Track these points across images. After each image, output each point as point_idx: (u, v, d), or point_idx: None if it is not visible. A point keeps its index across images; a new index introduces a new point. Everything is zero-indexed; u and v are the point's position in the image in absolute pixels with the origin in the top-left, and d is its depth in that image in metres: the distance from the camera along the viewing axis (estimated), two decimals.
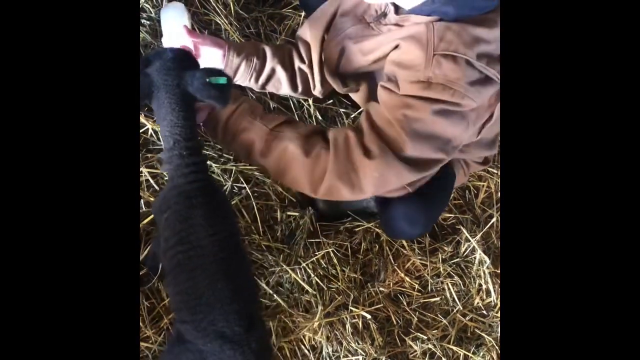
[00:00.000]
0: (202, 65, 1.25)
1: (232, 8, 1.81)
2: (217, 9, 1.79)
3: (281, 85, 1.55)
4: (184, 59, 1.18)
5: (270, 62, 1.47)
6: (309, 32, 1.51)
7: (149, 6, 1.72)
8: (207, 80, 1.12)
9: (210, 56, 1.38)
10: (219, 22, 1.79)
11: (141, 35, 1.69)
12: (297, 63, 1.51)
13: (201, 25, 1.79)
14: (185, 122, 1.15)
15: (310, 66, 1.52)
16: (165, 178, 1.61)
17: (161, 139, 1.18)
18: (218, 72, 1.16)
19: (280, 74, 1.50)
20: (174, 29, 1.36)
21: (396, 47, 1.26)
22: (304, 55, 1.51)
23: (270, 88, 1.56)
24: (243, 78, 1.47)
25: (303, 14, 1.89)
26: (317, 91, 1.58)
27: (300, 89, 1.57)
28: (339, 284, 1.72)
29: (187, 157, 1.15)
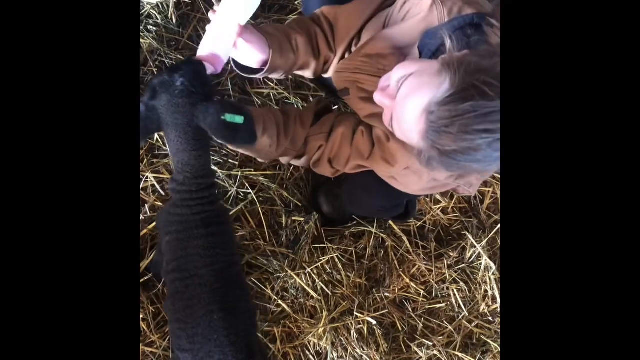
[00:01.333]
0: (237, 54, 1.18)
1: None
2: None
3: (305, 73, 1.51)
4: (195, 88, 1.03)
5: (303, 57, 1.39)
6: (343, 23, 1.41)
7: (155, 12, 1.73)
8: (222, 118, 1.01)
9: (250, 57, 1.25)
10: None
11: (147, 41, 1.70)
12: (324, 52, 1.43)
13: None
14: (197, 160, 1.08)
15: (334, 54, 1.45)
16: None
17: (172, 167, 1.11)
18: (235, 109, 1.03)
19: (311, 65, 1.44)
20: (234, 14, 1.14)
21: (386, 134, 1.29)
22: (330, 40, 1.44)
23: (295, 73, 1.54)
24: (276, 75, 1.39)
25: None
26: (328, 74, 1.53)
27: (320, 73, 1.52)
28: (344, 289, 1.72)
29: (196, 192, 1.11)
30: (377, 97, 1.11)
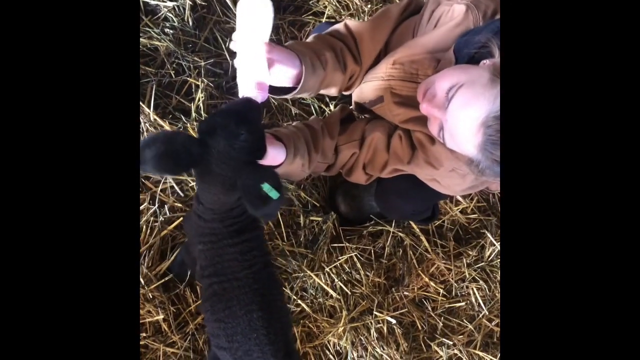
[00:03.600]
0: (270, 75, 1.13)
1: None
2: None
3: (330, 91, 1.44)
4: (254, 150, 1.01)
5: (331, 73, 1.33)
6: (370, 35, 1.37)
7: (171, 15, 1.74)
8: (261, 188, 0.95)
9: (283, 74, 1.19)
10: None
11: (164, 44, 1.71)
12: (351, 66, 1.37)
13: (223, 33, 1.81)
14: (227, 199, 1.08)
15: (361, 68, 1.40)
16: (191, 184, 1.63)
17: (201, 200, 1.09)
18: (277, 182, 0.97)
19: (338, 81, 1.38)
20: (254, 36, 1.10)
21: (429, 137, 1.27)
22: (356, 54, 1.38)
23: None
24: (306, 94, 1.34)
25: (323, 20, 1.90)
26: (352, 90, 1.48)
27: (344, 90, 1.46)
28: (363, 288, 1.72)
29: (225, 212, 1.10)
30: (425, 108, 1.10)
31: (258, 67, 1.11)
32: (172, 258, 1.55)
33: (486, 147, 0.97)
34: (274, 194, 0.95)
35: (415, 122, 1.29)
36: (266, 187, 0.95)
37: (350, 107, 1.57)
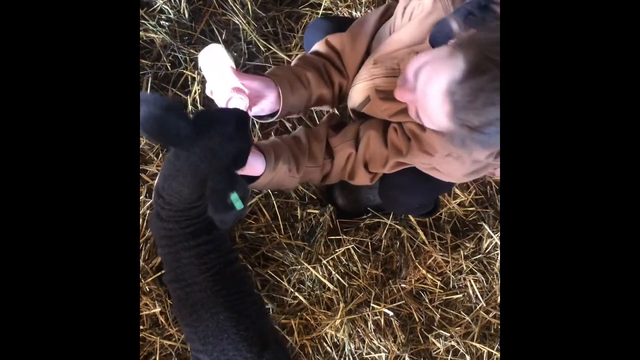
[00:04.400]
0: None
1: (249, 7, 1.82)
2: (234, 8, 1.81)
3: (324, 107, 1.48)
4: (237, 162, 1.02)
5: (316, 90, 1.36)
6: (350, 47, 1.40)
7: (167, 7, 1.74)
8: (229, 195, 0.97)
9: (265, 102, 1.23)
10: (237, 21, 1.80)
11: (160, 36, 1.71)
12: (337, 80, 1.41)
13: (219, 25, 1.80)
14: (190, 195, 1.05)
15: (348, 80, 1.43)
16: None
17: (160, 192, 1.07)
18: (244, 195, 0.99)
19: (327, 96, 1.41)
20: (220, 73, 1.17)
21: (419, 126, 1.27)
22: (341, 67, 1.41)
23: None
24: (294, 115, 1.38)
25: (320, 11, 1.89)
26: (345, 102, 1.50)
27: (337, 102, 1.49)
28: (360, 281, 1.72)
29: (182, 211, 1.08)
30: (398, 93, 1.11)
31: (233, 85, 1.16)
32: None
33: (455, 114, 0.97)
34: (238, 205, 0.96)
35: (404, 114, 1.29)
36: (234, 196, 0.96)
37: (339, 115, 1.58)
